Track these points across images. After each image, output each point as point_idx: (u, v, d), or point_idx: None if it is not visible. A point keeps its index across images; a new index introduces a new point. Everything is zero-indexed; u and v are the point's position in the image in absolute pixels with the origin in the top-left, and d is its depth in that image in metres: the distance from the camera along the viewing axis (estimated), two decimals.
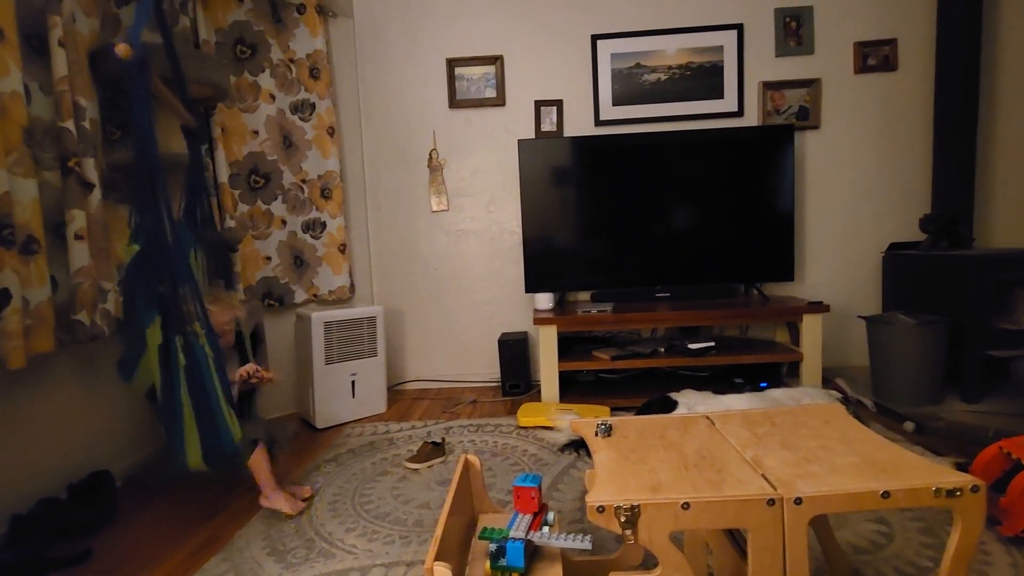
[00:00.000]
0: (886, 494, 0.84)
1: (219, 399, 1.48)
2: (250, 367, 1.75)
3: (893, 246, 2.79)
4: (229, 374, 1.61)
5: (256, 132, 2.60)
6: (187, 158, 1.95)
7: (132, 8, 2.00)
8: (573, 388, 2.78)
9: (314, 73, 2.74)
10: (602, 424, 1.18)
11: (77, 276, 1.71)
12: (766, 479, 0.91)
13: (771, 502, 0.85)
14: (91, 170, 1.76)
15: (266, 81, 2.62)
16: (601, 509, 0.86)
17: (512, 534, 1.06)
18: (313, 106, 2.75)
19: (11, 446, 1.65)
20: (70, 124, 1.69)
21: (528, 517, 1.13)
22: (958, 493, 0.83)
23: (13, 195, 1.53)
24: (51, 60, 1.66)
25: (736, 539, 1.15)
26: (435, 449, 2.07)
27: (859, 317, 2.59)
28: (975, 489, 0.83)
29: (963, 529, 0.85)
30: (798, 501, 0.84)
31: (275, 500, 1.69)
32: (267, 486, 1.70)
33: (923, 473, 0.88)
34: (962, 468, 1.62)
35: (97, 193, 1.78)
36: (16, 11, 1.56)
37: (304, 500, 1.76)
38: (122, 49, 1.36)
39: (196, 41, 2.31)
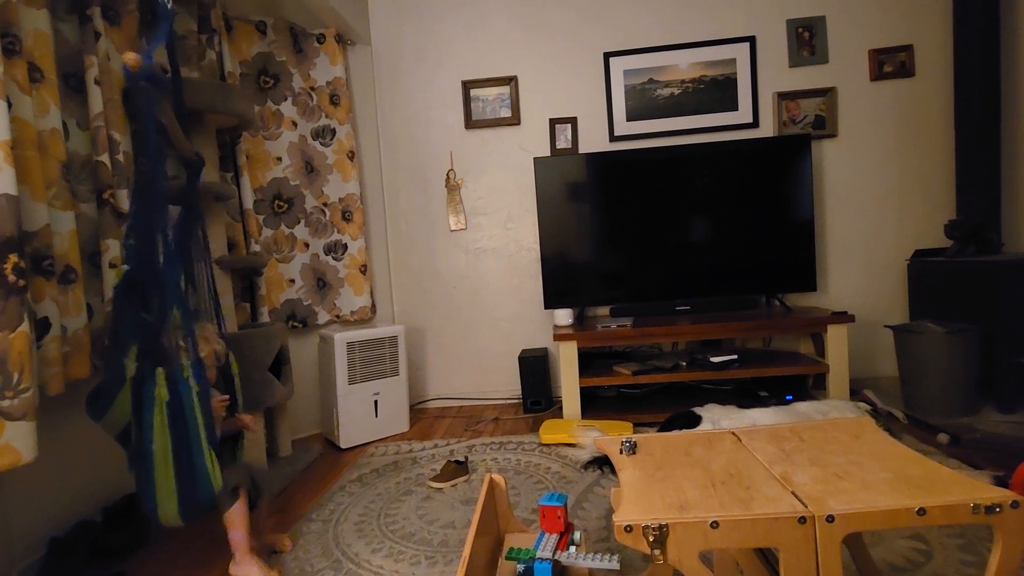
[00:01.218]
0: (922, 511, 0.82)
1: (201, 440, 1.34)
2: (220, 402, 1.54)
3: (918, 253, 2.74)
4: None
5: (279, 158, 2.68)
6: (220, 188, 2.01)
7: (164, 45, 2.08)
8: (595, 404, 2.76)
9: (334, 100, 2.82)
10: (627, 441, 1.18)
11: (111, 303, 1.77)
12: (796, 496, 0.89)
13: (802, 520, 0.83)
14: (124, 201, 1.82)
15: (288, 109, 2.70)
16: (629, 528, 0.86)
17: (539, 554, 1.06)
18: (334, 132, 2.83)
19: (50, 471, 1.69)
20: (105, 158, 1.76)
21: (555, 537, 1.12)
22: (998, 509, 0.81)
23: (53, 227, 1.60)
24: (87, 97, 1.74)
25: (767, 558, 1.13)
26: (459, 468, 2.07)
27: (886, 327, 2.54)
28: (1015, 505, 0.81)
29: (1004, 547, 0.83)
30: (830, 519, 0.83)
31: (247, 569, 1.47)
32: (240, 548, 1.47)
33: (960, 489, 0.86)
34: (1001, 482, 1.57)
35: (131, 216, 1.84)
36: (55, 53, 1.65)
37: (278, 551, 1.57)
38: (131, 58, 1.29)
39: (222, 74, 2.40)
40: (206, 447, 1.34)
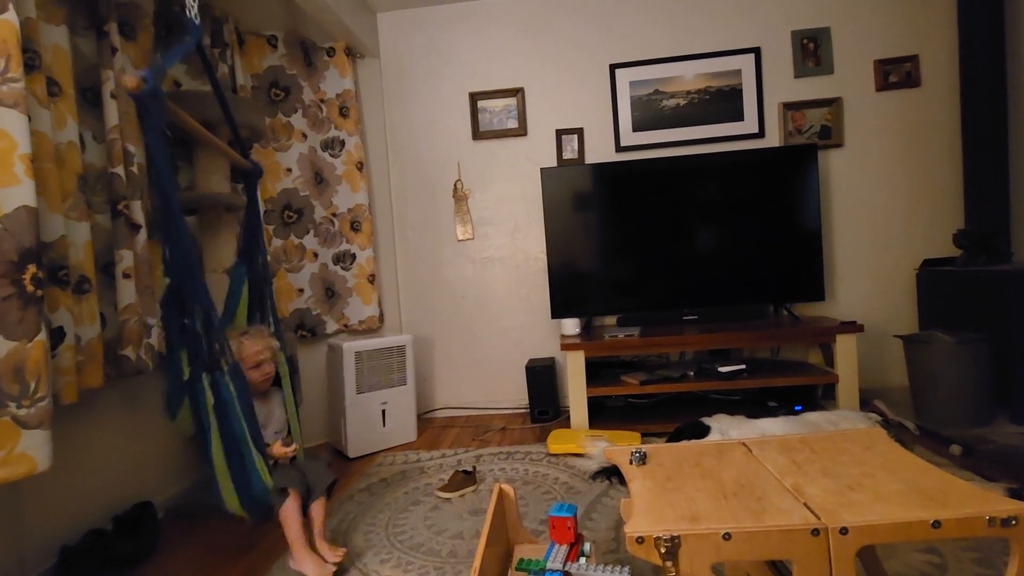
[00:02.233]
0: (936, 524, 0.82)
1: (247, 441, 1.40)
2: (281, 449, 1.61)
3: (927, 262, 2.73)
4: (267, 437, 1.57)
5: (289, 169, 2.71)
6: (230, 199, 2.04)
7: (178, 60, 2.12)
8: (602, 414, 2.75)
9: (343, 112, 2.85)
10: (636, 452, 1.18)
11: (124, 313, 1.79)
12: (809, 508, 0.89)
13: (816, 532, 0.83)
14: (138, 212, 1.85)
15: (298, 121, 2.74)
16: (640, 540, 0.85)
17: (549, 565, 1.06)
18: (343, 143, 2.86)
19: (63, 479, 1.71)
20: (120, 170, 1.79)
21: (564, 548, 1.12)
22: (1014, 522, 0.80)
23: (68, 238, 1.62)
24: (103, 111, 1.78)
25: (779, 571, 1.13)
26: (466, 478, 2.07)
27: (895, 336, 2.52)
28: None
29: (1021, 560, 0.82)
30: (844, 531, 0.83)
31: (301, 562, 1.53)
32: (295, 544, 1.54)
33: (975, 501, 0.85)
34: (1015, 494, 1.55)
35: (143, 233, 1.87)
36: (72, 67, 1.68)
37: (336, 563, 1.55)
38: (129, 81, 1.28)
39: (234, 86, 2.44)
40: (253, 449, 1.40)
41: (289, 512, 1.53)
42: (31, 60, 1.52)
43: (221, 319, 1.50)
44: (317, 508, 1.62)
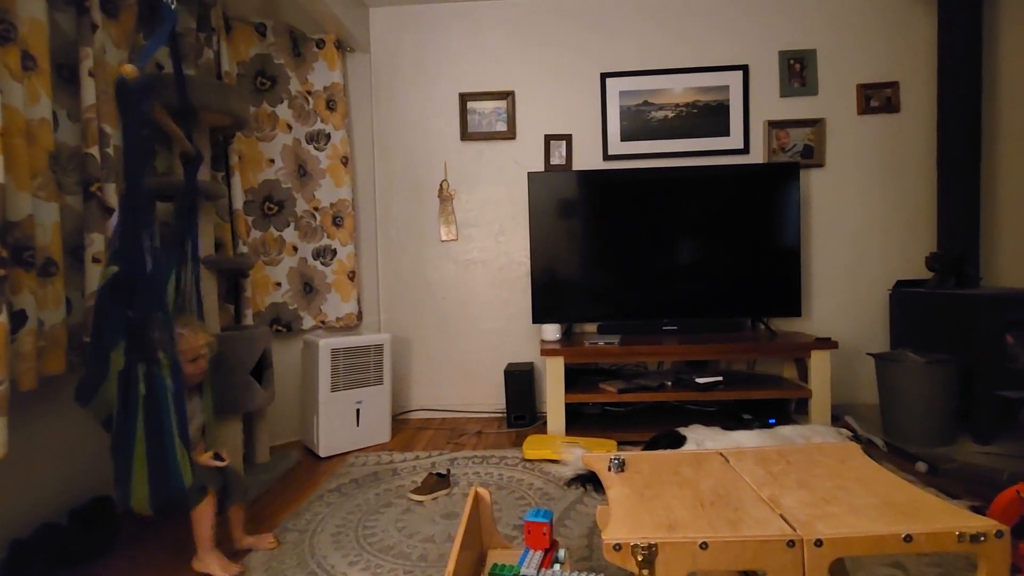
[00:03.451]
0: (908, 538, 0.83)
1: (173, 436, 1.38)
2: (208, 460, 1.60)
3: (900, 284, 2.80)
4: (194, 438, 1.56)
5: (272, 160, 2.66)
6: (209, 187, 1.99)
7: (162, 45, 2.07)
8: (579, 421, 2.75)
9: (330, 105, 2.81)
10: (615, 459, 1.17)
11: (91, 299, 1.72)
12: (784, 519, 0.89)
13: (791, 543, 0.83)
14: (112, 195, 1.79)
15: (284, 112, 2.69)
16: (618, 547, 0.85)
17: (523, 571, 1.05)
18: (328, 136, 2.82)
19: (16, 469, 1.63)
20: (94, 150, 1.73)
21: (539, 554, 1.11)
22: (982, 538, 0.82)
23: (36, 218, 1.56)
24: (80, 89, 1.72)
25: None
26: (440, 481, 2.04)
27: (868, 354, 2.58)
28: (999, 534, 0.82)
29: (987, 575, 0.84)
30: (819, 543, 0.83)
31: (208, 563, 1.53)
32: (204, 543, 1.53)
33: (945, 517, 0.87)
34: (978, 512, 1.59)
35: (115, 217, 1.81)
36: (50, 43, 1.62)
37: (267, 548, 1.62)
38: (129, 70, 1.30)
39: (219, 73, 2.38)
40: (178, 444, 1.39)
41: (205, 511, 1.53)
42: (6, 31, 1.47)
43: (169, 314, 1.47)
44: (237, 511, 1.67)
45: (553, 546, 1.15)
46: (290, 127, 2.71)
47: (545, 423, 2.64)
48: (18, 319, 1.48)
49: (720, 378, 2.63)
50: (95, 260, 1.73)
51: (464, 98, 3.05)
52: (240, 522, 1.68)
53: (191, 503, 1.50)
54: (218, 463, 1.59)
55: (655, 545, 0.84)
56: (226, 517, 1.65)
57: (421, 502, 1.96)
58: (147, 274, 1.38)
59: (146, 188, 1.37)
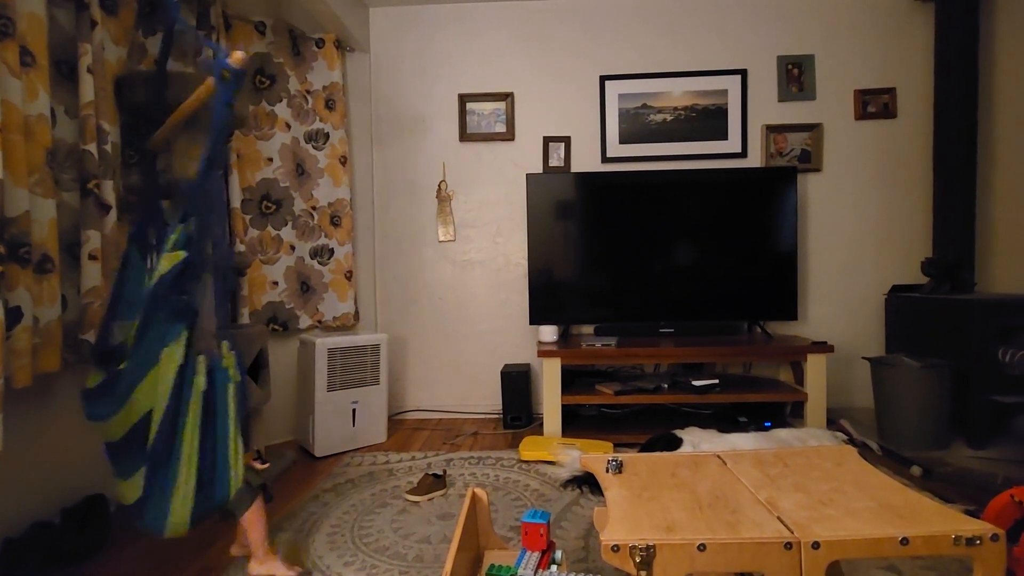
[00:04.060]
0: (905, 541, 0.83)
1: (229, 436, 1.30)
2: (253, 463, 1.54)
3: (895, 288, 2.81)
4: None
5: (270, 159, 2.65)
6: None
7: (159, 37, 2.06)
8: (575, 422, 2.75)
9: (329, 104, 2.81)
10: (613, 460, 1.17)
11: (88, 296, 1.72)
12: (782, 522, 0.90)
13: (788, 546, 0.84)
14: (109, 192, 1.78)
15: (283, 111, 2.68)
16: (616, 548, 0.85)
17: (520, 572, 1.04)
18: (327, 136, 2.81)
19: (9, 467, 1.62)
20: (92, 147, 1.72)
21: (536, 555, 1.11)
22: (978, 542, 0.82)
23: (32, 214, 1.55)
24: (79, 85, 1.71)
25: None
26: (436, 481, 2.04)
27: (863, 358, 2.59)
28: (995, 538, 0.82)
29: None
30: (816, 545, 0.83)
31: (269, 566, 1.46)
32: (260, 547, 1.46)
33: (941, 520, 0.87)
34: (972, 515, 1.60)
35: (113, 215, 1.80)
36: (48, 39, 1.62)
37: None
38: (238, 58, 1.29)
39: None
40: (233, 443, 1.30)
41: (257, 513, 1.46)
42: (4, 27, 1.46)
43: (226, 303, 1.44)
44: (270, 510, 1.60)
45: (550, 547, 1.15)
46: (289, 126, 2.71)
47: (541, 424, 2.64)
48: (13, 315, 1.47)
49: (716, 381, 2.64)
50: (91, 257, 1.72)
51: (463, 99, 3.05)
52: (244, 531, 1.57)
53: (243, 507, 1.42)
54: (260, 465, 1.53)
55: (653, 546, 0.84)
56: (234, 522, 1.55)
57: (417, 503, 1.96)
58: (214, 264, 1.33)
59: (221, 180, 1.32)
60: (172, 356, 1.26)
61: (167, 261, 1.28)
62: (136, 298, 1.49)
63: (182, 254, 1.29)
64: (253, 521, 1.45)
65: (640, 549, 0.84)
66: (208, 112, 1.36)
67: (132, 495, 1.30)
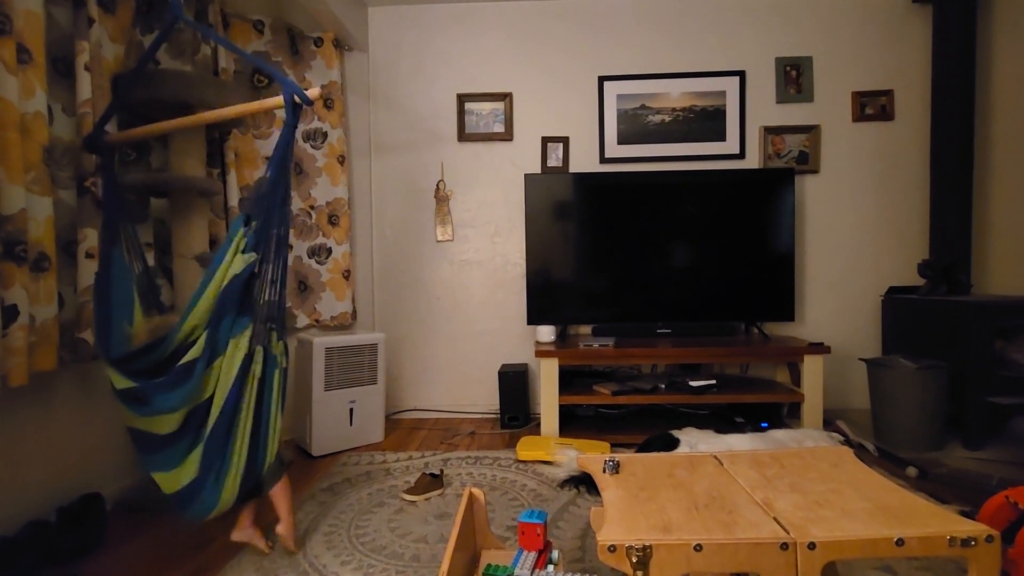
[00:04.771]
0: (900, 541, 0.83)
1: (272, 414, 1.48)
2: None
3: (892, 290, 2.82)
4: None
5: (268, 158, 2.64)
6: (205, 183, 1.99)
7: (155, 35, 2.06)
8: (573, 422, 2.75)
9: (328, 103, 2.81)
10: (610, 461, 1.17)
11: (84, 294, 1.71)
12: (778, 522, 0.90)
13: (784, 546, 0.84)
14: None
15: (280, 110, 2.67)
16: (612, 548, 0.85)
17: (517, 572, 1.05)
18: (325, 135, 2.81)
19: (5, 466, 1.61)
20: None
21: (533, 555, 1.11)
22: (973, 543, 0.83)
23: (29, 212, 1.55)
24: (76, 83, 1.71)
25: None
26: (433, 481, 2.04)
27: (860, 359, 2.60)
28: (990, 539, 0.83)
29: None
30: (812, 546, 0.83)
31: (288, 529, 1.59)
32: (285, 516, 1.58)
33: (937, 521, 0.88)
34: (967, 516, 1.61)
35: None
36: (45, 36, 1.61)
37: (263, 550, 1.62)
38: (316, 94, 1.53)
39: (216, 69, 2.37)
40: (275, 421, 1.49)
41: (286, 484, 1.58)
42: (1, 24, 1.46)
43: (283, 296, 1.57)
44: (253, 506, 1.65)
45: (547, 547, 1.15)
46: None
47: (539, 424, 2.64)
48: (10, 314, 1.47)
49: (713, 381, 2.64)
50: (88, 256, 1.72)
51: (462, 99, 3.05)
52: (252, 514, 1.64)
53: (273, 482, 1.55)
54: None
55: (650, 547, 0.84)
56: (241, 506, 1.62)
57: (414, 502, 1.95)
58: (280, 257, 1.49)
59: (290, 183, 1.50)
60: (239, 346, 1.42)
61: (240, 262, 1.42)
62: (127, 296, 1.59)
63: (254, 256, 1.44)
64: (281, 492, 1.57)
65: (636, 549, 0.84)
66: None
67: (180, 480, 1.43)
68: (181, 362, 1.39)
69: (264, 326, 1.48)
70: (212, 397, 1.41)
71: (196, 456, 1.42)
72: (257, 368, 1.44)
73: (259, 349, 1.45)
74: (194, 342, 1.41)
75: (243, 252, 1.42)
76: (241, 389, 1.42)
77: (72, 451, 1.85)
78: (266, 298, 1.48)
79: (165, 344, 1.47)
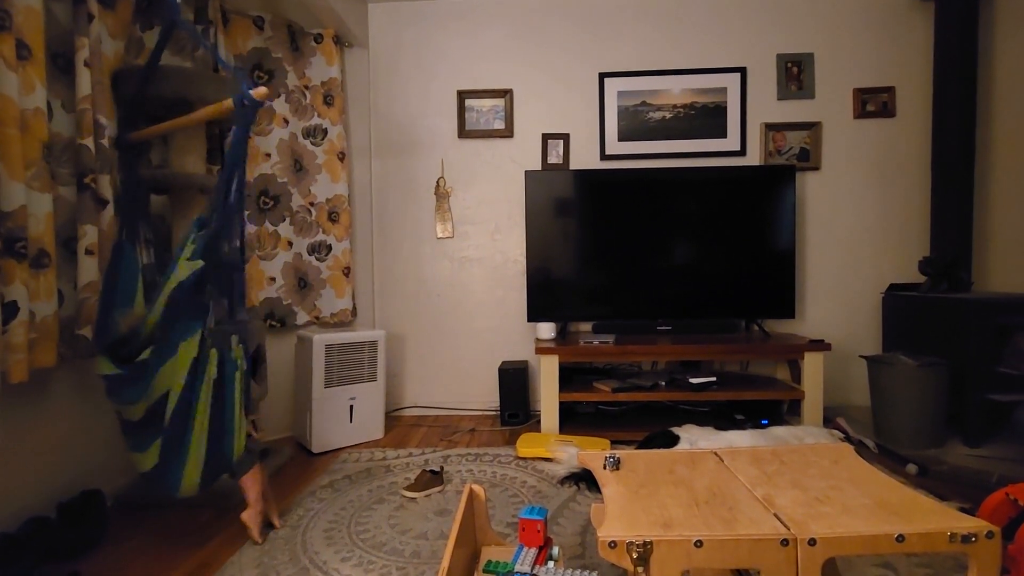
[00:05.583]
0: (901, 537, 0.83)
1: (235, 413, 1.54)
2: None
3: (893, 287, 2.82)
4: None
5: (268, 155, 2.64)
6: (205, 180, 2.00)
7: (157, 31, 2.06)
8: (573, 419, 2.75)
9: (328, 100, 2.80)
10: (610, 457, 1.17)
11: (84, 291, 1.71)
12: (779, 519, 0.90)
13: (785, 542, 0.84)
14: (106, 187, 1.78)
15: (280, 106, 2.67)
16: (613, 544, 0.85)
17: (517, 568, 1.05)
18: (325, 131, 2.80)
19: (5, 462, 1.61)
20: (89, 141, 1.71)
21: (533, 551, 1.11)
22: (973, 539, 0.82)
23: (29, 209, 1.54)
24: (76, 79, 1.70)
25: None
26: (433, 478, 2.04)
27: (860, 357, 2.60)
28: (990, 535, 0.83)
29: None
30: (812, 542, 0.83)
31: (254, 517, 1.66)
32: (254, 502, 1.66)
33: (937, 517, 0.88)
34: (967, 513, 1.61)
35: (110, 209, 1.80)
36: (45, 32, 1.61)
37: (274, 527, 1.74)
38: (262, 93, 1.48)
39: (215, 66, 2.37)
40: (238, 420, 1.55)
41: (257, 473, 1.67)
42: (1, 19, 1.45)
43: (244, 297, 1.66)
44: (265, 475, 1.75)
45: (547, 543, 1.15)
46: (287, 122, 2.70)
47: (539, 421, 2.64)
48: (10, 310, 1.47)
49: (714, 378, 2.64)
50: (88, 252, 1.72)
51: (462, 95, 3.05)
52: (267, 486, 1.76)
53: (243, 470, 1.62)
54: (255, 433, 1.74)
55: (650, 543, 0.84)
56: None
57: (414, 499, 1.96)
58: (233, 265, 1.55)
59: (244, 190, 1.54)
60: (188, 349, 1.47)
61: (186, 268, 1.46)
62: (130, 288, 1.66)
63: (200, 263, 1.47)
64: (251, 481, 1.65)
65: (637, 545, 0.84)
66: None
67: (149, 463, 1.53)
68: (139, 359, 1.47)
69: (221, 330, 1.53)
70: (168, 394, 1.48)
71: (157, 446, 1.51)
72: (212, 370, 1.49)
73: (214, 352, 1.49)
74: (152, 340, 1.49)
75: (190, 259, 1.46)
76: (194, 390, 1.48)
77: (72, 447, 1.85)
78: (223, 303, 1.54)
79: (138, 336, 1.55)
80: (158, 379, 1.47)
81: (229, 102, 1.54)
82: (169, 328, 1.46)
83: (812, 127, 2.95)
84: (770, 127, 2.96)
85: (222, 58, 1.68)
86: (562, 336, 2.88)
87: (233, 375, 1.53)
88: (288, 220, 2.72)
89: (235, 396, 1.54)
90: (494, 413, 3.06)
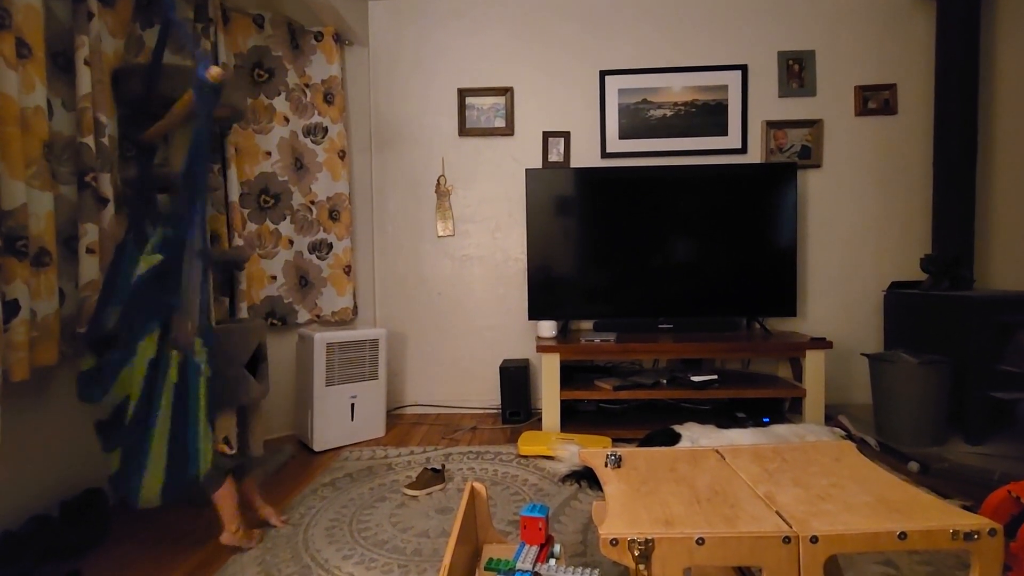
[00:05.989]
0: (903, 535, 0.83)
1: (199, 421, 1.42)
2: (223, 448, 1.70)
3: (894, 285, 2.81)
4: None
5: (269, 153, 2.64)
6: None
7: (157, 30, 2.05)
8: (574, 418, 2.75)
9: (328, 98, 2.80)
10: (612, 455, 1.17)
11: (85, 289, 1.71)
12: (780, 516, 0.90)
13: (787, 540, 0.84)
14: (107, 185, 1.77)
15: (281, 104, 2.67)
16: (615, 542, 0.85)
17: (519, 566, 1.05)
18: (326, 130, 2.80)
19: (7, 461, 1.62)
20: (89, 140, 1.71)
21: (535, 549, 1.11)
22: (975, 536, 0.82)
23: (29, 207, 1.54)
24: (76, 78, 1.70)
25: None
26: (435, 476, 2.04)
27: (862, 355, 2.60)
28: (992, 532, 0.82)
29: (980, 574, 0.84)
30: (814, 540, 0.83)
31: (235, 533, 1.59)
32: (229, 522, 1.57)
33: (939, 515, 0.87)
34: (969, 511, 1.60)
35: (111, 208, 1.80)
36: (45, 30, 1.61)
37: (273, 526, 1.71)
38: (215, 74, 1.38)
39: (216, 64, 2.36)
40: (203, 429, 1.43)
41: (227, 492, 1.56)
42: (0, 18, 1.45)
43: (208, 300, 1.55)
44: (251, 485, 1.72)
45: (548, 541, 1.15)
46: (287, 120, 2.70)
47: (540, 420, 2.64)
48: (11, 309, 1.47)
49: (715, 376, 2.64)
50: (89, 251, 1.72)
51: (463, 94, 3.04)
52: (256, 493, 1.73)
53: (213, 488, 1.51)
54: (228, 450, 1.65)
55: (652, 540, 0.84)
56: (242, 492, 1.69)
57: (415, 497, 1.96)
58: (195, 262, 1.43)
59: (206, 182, 1.43)
60: (145, 350, 1.40)
61: (144, 263, 1.42)
62: (127, 286, 1.62)
63: (159, 257, 1.42)
64: (222, 499, 1.55)
65: (639, 543, 0.84)
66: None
67: (112, 466, 1.49)
68: (103, 358, 1.44)
69: (185, 329, 1.43)
70: (128, 398, 1.43)
71: (119, 451, 1.46)
72: (173, 374, 1.41)
73: (175, 354, 1.41)
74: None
75: (147, 254, 1.42)
76: (152, 395, 1.41)
77: (74, 446, 1.85)
78: (189, 300, 1.44)
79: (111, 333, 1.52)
80: (119, 381, 1.43)
81: (188, 93, 1.48)
82: (127, 327, 1.41)
83: (813, 125, 2.94)
84: (771, 125, 2.95)
85: (201, 52, 1.61)
86: (563, 334, 2.88)
87: (197, 380, 1.42)
88: (289, 218, 2.72)
89: (199, 404, 1.43)
90: (495, 411, 3.06)
